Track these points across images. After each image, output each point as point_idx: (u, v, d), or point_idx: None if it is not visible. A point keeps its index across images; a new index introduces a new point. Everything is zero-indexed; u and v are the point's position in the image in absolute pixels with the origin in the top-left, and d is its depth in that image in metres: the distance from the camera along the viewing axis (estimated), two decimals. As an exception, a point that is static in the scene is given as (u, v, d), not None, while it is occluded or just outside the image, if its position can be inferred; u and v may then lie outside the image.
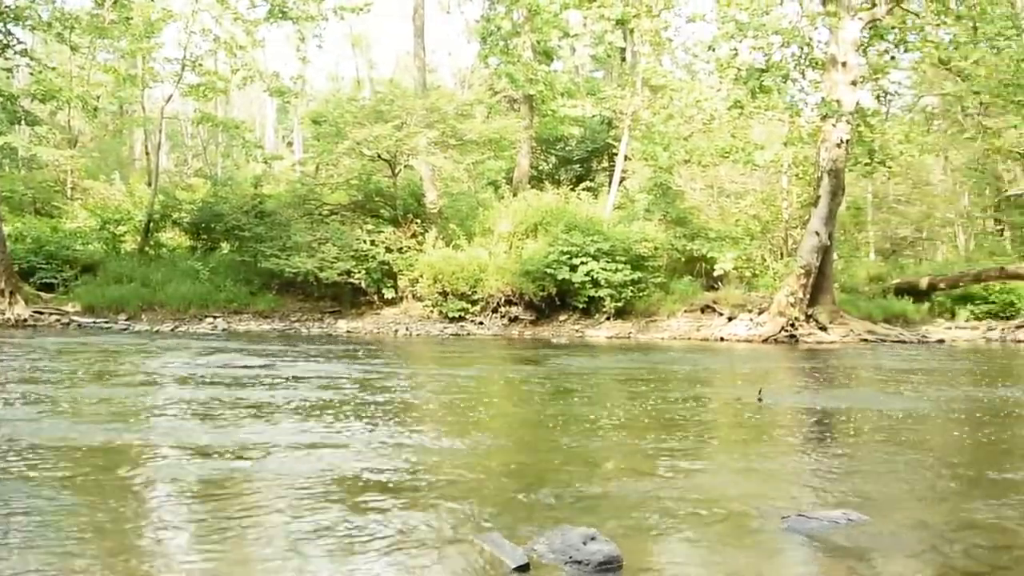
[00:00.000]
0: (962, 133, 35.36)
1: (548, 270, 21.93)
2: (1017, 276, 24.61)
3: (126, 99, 35.47)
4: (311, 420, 7.43)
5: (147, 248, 26.36)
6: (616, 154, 28.34)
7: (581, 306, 22.41)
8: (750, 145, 22.88)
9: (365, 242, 23.20)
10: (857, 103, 21.70)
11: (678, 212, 26.06)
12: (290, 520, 4.34)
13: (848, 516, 4.39)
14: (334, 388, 9.71)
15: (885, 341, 20.53)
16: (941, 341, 21.25)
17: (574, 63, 35.81)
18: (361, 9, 28.24)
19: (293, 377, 10.64)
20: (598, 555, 3.67)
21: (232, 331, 20.83)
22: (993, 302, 24.90)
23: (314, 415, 7.70)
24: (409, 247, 23.54)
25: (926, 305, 24.47)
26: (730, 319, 21.47)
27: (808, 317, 20.78)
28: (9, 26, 22.55)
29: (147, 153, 36.86)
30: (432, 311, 22.90)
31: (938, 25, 24.35)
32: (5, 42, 22.47)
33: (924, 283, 25.11)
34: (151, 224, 26.78)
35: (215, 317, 22.35)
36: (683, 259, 24.81)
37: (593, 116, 31.42)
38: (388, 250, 23.32)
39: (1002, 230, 37.67)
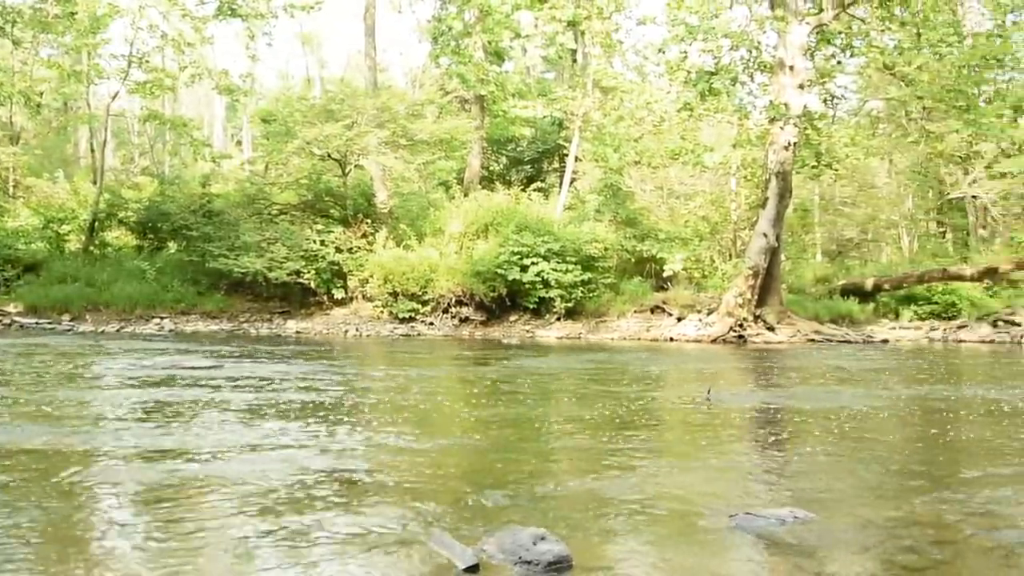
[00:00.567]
0: (906, 137, 35.98)
1: (499, 271, 21.95)
2: (958, 277, 25.09)
3: (70, 95, 34.85)
4: (260, 421, 7.36)
5: (92, 247, 25.96)
6: (567, 155, 28.43)
7: (532, 307, 22.45)
8: (699, 147, 23.07)
9: (315, 242, 23.05)
10: (804, 106, 21.96)
11: (628, 213, 26.19)
12: (238, 522, 4.29)
13: (795, 514, 4.44)
14: (283, 389, 9.63)
15: (831, 341, 20.80)
16: (885, 341, 21.59)
17: (525, 64, 35.89)
18: (312, 7, 28.05)
19: (241, 378, 10.53)
20: (548, 555, 3.67)
21: (179, 332, 20.58)
22: (936, 303, 25.33)
23: (263, 416, 7.63)
24: (359, 247, 23.43)
25: (871, 305, 24.85)
26: (679, 319, 21.63)
27: (756, 317, 20.99)
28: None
29: (92, 151, 36.27)
30: (382, 311, 22.80)
31: (883, 31, 24.74)
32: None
33: (869, 284, 25.48)
34: (96, 223, 26.37)
35: (162, 318, 22.08)
36: (633, 260, 24.94)
37: (544, 117, 31.49)
38: (338, 250, 23.19)
39: (944, 232, 38.36)
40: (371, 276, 22.83)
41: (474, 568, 3.62)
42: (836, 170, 26.38)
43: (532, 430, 7.29)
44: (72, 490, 4.95)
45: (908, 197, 38.04)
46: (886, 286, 25.54)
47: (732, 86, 22.10)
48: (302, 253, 22.86)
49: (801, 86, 21.39)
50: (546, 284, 22.06)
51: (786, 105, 20.88)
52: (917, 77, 25.40)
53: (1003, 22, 34.27)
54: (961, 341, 22.23)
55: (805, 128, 22.63)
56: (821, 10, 21.96)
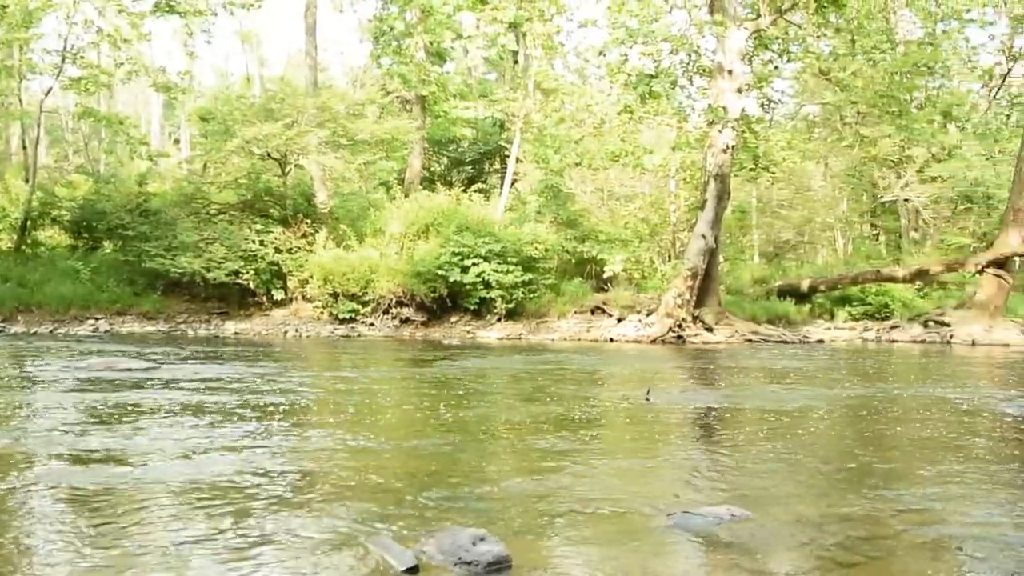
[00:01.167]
0: (841, 141, 36.62)
1: (440, 271, 21.92)
2: (891, 279, 25.57)
3: (1, 91, 34.07)
4: (197, 423, 7.28)
5: (24, 247, 25.38)
6: (508, 156, 28.46)
7: (472, 307, 22.45)
8: (639, 149, 23.23)
9: (254, 242, 22.81)
10: (742, 110, 22.26)
11: (569, 214, 26.30)
12: (174, 527, 4.26)
13: (732, 512, 4.51)
14: (221, 391, 9.53)
15: (768, 341, 21.10)
16: (821, 341, 21.96)
17: (467, 65, 35.85)
18: (251, 5, 27.76)
19: (179, 380, 10.41)
20: (487, 555, 3.70)
21: (115, 333, 20.26)
22: (869, 303, 25.78)
23: (200, 418, 7.55)
24: (299, 247, 23.23)
25: (807, 306, 25.22)
26: (619, 320, 21.78)
27: (695, 318, 21.21)
28: None
29: (24, 148, 35.41)
30: (322, 312, 22.64)
31: (819, 37, 25.18)
32: None
33: (805, 285, 25.85)
34: (28, 222, 25.80)
35: (97, 319, 21.68)
36: (573, 261, 25.05)
37: (485, 118, 31.52)
38: (278, 250, 22.98)
39: (878, 234, 39.07)
40: (311, 276, 22.65)
41: (413, 569, 3.63)
42: (773, 173, 26.77)
43: (472, 431, 7.31)
44: (3, 496, 4.86)
45: (843, 200, 38.69)
46: (821, 287, 25.94)
47: (672, 89, 22.32)
48: (241, 253, 22.59)
49: (739, 90, 21.67)
50: (487, 285, 22.08)
51: (724, 108, 21.14)
52: (851, 83, 25.91)
53: (933, 31, 35.07)
54: (893, 341, 22.69)
55: (743, 131, 22.93)
56: (759, 16, 22.27)
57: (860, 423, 8.20)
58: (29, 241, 25.82)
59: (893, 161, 35.41)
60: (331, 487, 5.19)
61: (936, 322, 23.44)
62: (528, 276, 22.49)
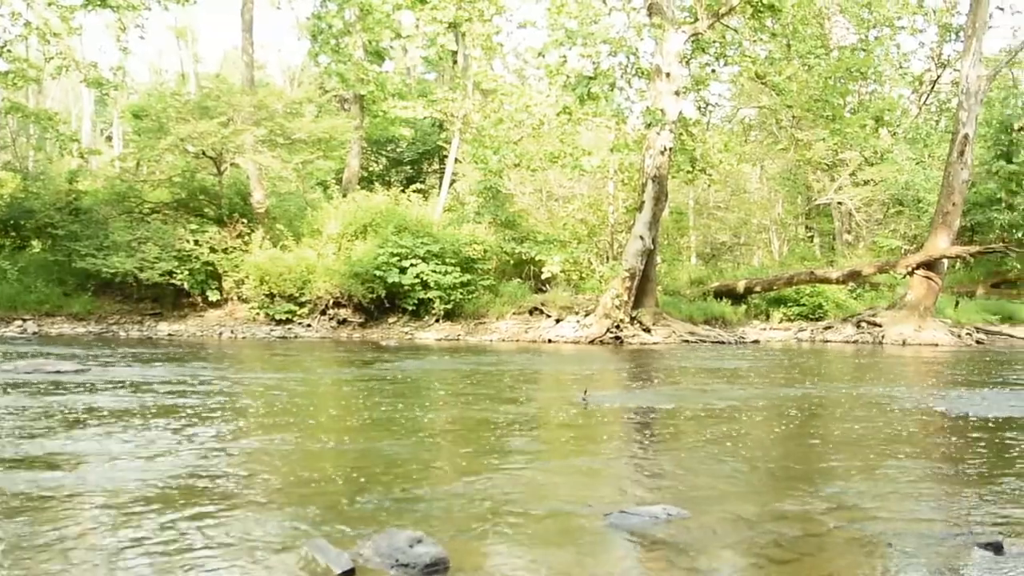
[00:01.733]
0: (776, 144, 37.19)
1: (377, 272, 21.81)
2: (825, 280, 25.98)
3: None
4: (129, 427, 7.14)
5: (-52, 245, 24.76)
6: (447, 156, 28.42)
7: (411, 308, 22.37)
8: (578, 150, 23.32)
9: (188, 242, 22.48)
10: (680, 112, 22.47)
11: (507, 215, 26.32)
12: (108, 532, 4.16)
13: (668, 511, 4.53)
14: (153, 393, 9.36)
15: (705, 342, 21.31)
16: (756, 341, 22.24)
17: (406, 64, 35.75)
18: (187, 0, 27.33)
19: (110, 382, 10.20)
20: (424, 557, 3.66)
21: (44, 334, 19.83)
22: (803, 304, 26.17)
23: (132, 422, 7.40)
24: (235, 248, 22.95)
25: (743, 307, 25.54)
26: (558, 321, 21.85)
27: (633, 319, 21.35)
28: None
29: (-51, 144, 34.61)
30: (258, 313, 22.40)
31: (755, 41, 25.50)
32: None
33: (741, 286, 26.16)
34: (-48, 220, 25.17)
35: (24, 320, 21.21)
36: (512, 262, 25.08)
37: (424, 118, 31.39)
38: (213, 250, 22.68)
39: (812, 236, 39.71)
40: (247, 277, 22.39)
41: (350, 572, 3.58)
42: (710, 175, 27.06)
43: (410, 432, 7.26)
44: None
45: (778, 202, 39.26)
46: (757, 288, 26.26)
47: (610, 91, 22.40)
48: (175, 253, 22.26)
49: (677, 93, 21.86)
50: (425, 286, 22.03)
51: (662, 111, 21.30)
52: (787, 87, 26.27)
53: (866, 37, 35.73)
54: (827, 341, 23.06)
55: (681, 134, 23.15)
56: (696, 19, 22.49)
57: (795, 422, 8.30)
58: (-47, 240, 25.18)
59: (827, 164, 36.04)
60: (266, 490, 5.11)
61: (868, 322, 23.88)
62: (467, 277, 22.49)
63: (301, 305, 22.25)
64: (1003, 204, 32.33)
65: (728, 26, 24.16)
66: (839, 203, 36.28)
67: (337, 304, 22.27)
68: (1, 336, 18.93)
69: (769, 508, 4.80)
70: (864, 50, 33.76)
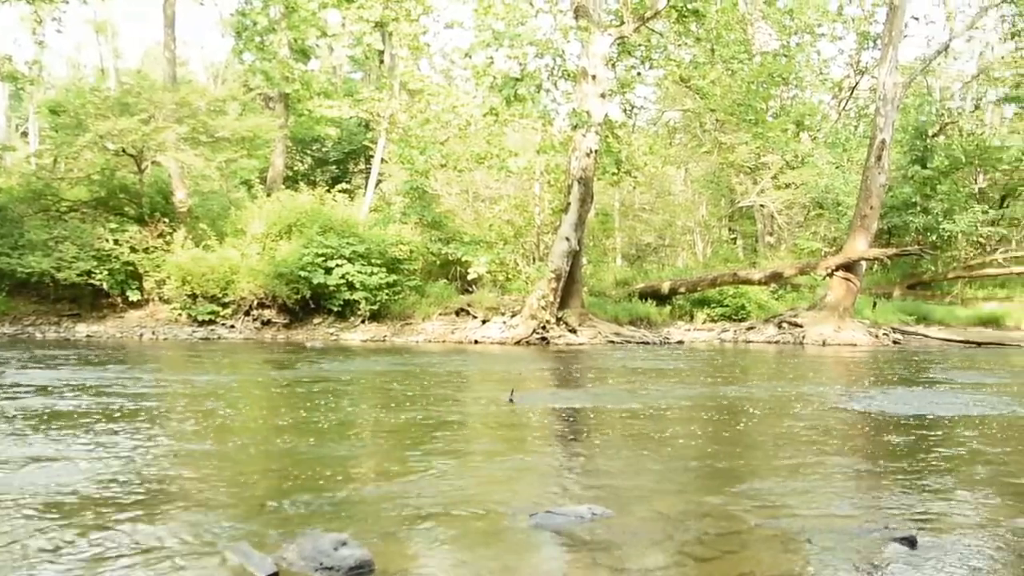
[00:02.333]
0: (700, 147, 37.70)
1: (302, 272, 21.60)
2: (747, 281, 26.36)
3: None
4: (46, 430, 6.96)
5: None
6: (373, 156, 28.26)
7: (336, 309, 22.19)
8: (504, 152, 23.35)
9: (108, 241, 22.02)
10: (606, 115, 22.64)
11: (434, 216, 26.26)
12: (24, 539, 4.04)
13: (593, 511, 4.55)
14: (72, 396, 9.15)
15: (630, 342, 21.49)
16: (680, 342, 22.49)
17: (332, 63, 35.42)
18: (105, -6, 26.78)
19: (26, 385, 9.95)
20: (349, 560, 3.64)
21: (-45, 335, 19.26)
22: (727, 305, 26.50)
23: (50, 425, 7.22)
24: (156, 247, 22.53)
25: (668, 308, 25.79)
26: (484, 322, 21.86)
27: (559, 320, 21.45)
28: None
29: None
30: (180, 314, 22.02)
31: (680, 46, 25.81)
32: None
33: (666, 287, 26.41)
34: None
35: (-66, 321, 20.61)
36: (438, 262, 25.01)
37: (350, 118, 31.18)
38: (133, 250, 22.24)
39: (735, 238, 40.34)
40: (168, 277, 22.00)
41: (273, 576, 3.54)
42: (635, 177, 27.31)
43: (335, 434, 7.20)
44: None
45: (702, 204, 39.79)
46: (682, 289, 26.53)
47: (537, 93, 22.48)
48: (94, 253, 21.79)
49: (603, 95, 22.02)
50: (351, 286, 21.88)
51: (588, 113, 21.44)
52: (711, 91, 26.65)
53: (788, 43, 36.40)
54: (749, 342, 23.41)
55: (606, 136, 23.32)
56: (622, 23, 22.68)
57: (717, 421, 8.41)
58: None
59: (749, 168, 36.66)
60: (188, 494, 5.02)
61: (789, 323, 24.28)
62: (393, 278, 22.39)
63: (224, 306, 21.94)
64: (918, 208, 33.18)
65: (653, 30, 24.43)
66: (761, 205, 36.91)
67: (261, 305, 22.00)
68: (-90, 338, 18.36)
69: (692, 506, 4.86)
70: (786, 56, 34.40)
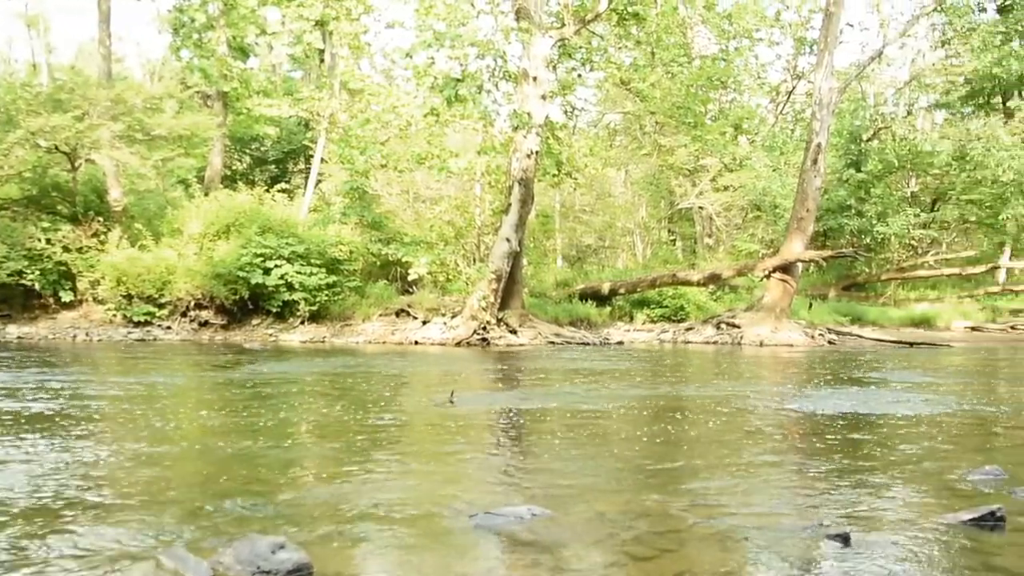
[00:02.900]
0: (640, 149, 38.01)
1: (241, 273, 21.37)
2: (686, 282, 26.64)
3: None
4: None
5: None
6: (313, 156, 28.03)
7: (275, 310, 22.01)
8: (445, 152, 23.34)
9: (40, 241, 21.59)
10: (547, 116, 22.73)
11: (374, 216, 26.14)
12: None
13: (533, 511, 4.56)
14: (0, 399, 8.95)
15: (571, 343, 21.59)
16: (620, 342, 22.65)
17: (271, 62, 35.05)
18: (37, -12, 26.24)
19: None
20: (287, 564, 3.60)
21: None
22: (666, 306, 26.75)
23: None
24: (90, 247, 22.14)
25: (608, 309, 25.96)
26: (424, 323, 21.81)
27: (499, 321, 21.48)
28: None
29: None
30: (115, 315, 21.66)
31: (620, 48, 26.03)
32: None
33: (606, 288, 26.58)
34: None
35: None
36: (378, 263, 24.91)
37: (290, 117, 30.88)
38: (66, 250, 21.82)
39: (674, 240, 40.74)
40: (103, 277, 21.63)
41: (209, 581, 3.49)
42: (576, 179, 27.47)
43: (273, 436, 7.13)
44: None
45: (642, 206, 40.12)
46: (621, 290, 26.71)
47: (478, 94, 22.50)
48: (25, 252, 21.36)
49: (544, 96, 22.11)
50: (290, 287, 21.70)
51: (529, 114, 21.51)
52: (650, 93, 26.90)
53: (727, 48, 36.88)
54: (688, 342, 23.66)
55: (547, 137, 23.41)
56: (563, 25, 22.78)
57: (657, 421, 8.48)
58: None
59: (689, 170, 37.05)
60: (121, 499, 4.93)
61: (727, 324, 24.57)
62: (332, 278, 22.25)
63: (161, 307, 21.64)
64: (853, 211, 33.78)
65: (594, 32, 24.58)
66: (700, 207, 37.34)
67: (198, 306, 21.73)
68: None
69: (631, 506, 4.89)
70: (724, 60, 34.87)
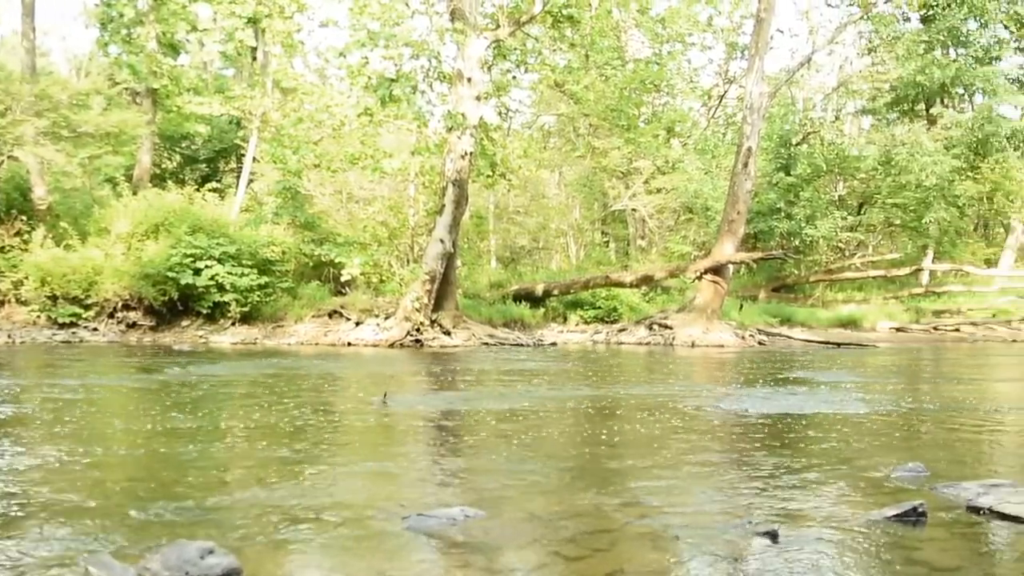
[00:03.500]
0: (574, 151, 38.19)
1: (170, 273, 21.03)
2: (619, 284, 26.82)
3: None
4: None
5: None
6: (244, 155, 27.71)
7: (206, 311, 21.68)
8: (379, 152, 23.22)
9: (-41, 240, 21.07)
10: (481, 117, 22.73)
11: (307, 217, 25.92)
12: None
13: (465, 512, 4.56)
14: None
15: (504, 344, 21.61)
16: (554, 344, 22.73)
17: (202, 59, 34.56)
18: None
19: None
20: (216, 568, 3.55)
21: None
22: (599, 307, 26.88)
23: None
24: (12, 246, 21.61)
25: (542, 310, 26.04)
26: (358, 324, 21.67)
27: (433, 322, 21.43)
28: None
29: None
30: (39, 316, 21.14)
31: (555, 51, 26.13)
32: None
33: (540, 289, 26.64)
34: None
35: None
36: (311, 264, 24.69)
37: (221, 115, 30.47)
38: (-13, 249, 21.31)
39: (608, 241, 41.00)
40: (26, 278, 21.12)
41: (135, 587, 3.43)
42: (510, 180, 27.49)
43: (202, 440, 7.02)
44: None
45: (576, 208, 40.32)
46: (555, 291, 26.80)
47: (412, 94, 22.46)
48: (-57, 252, 20.83)
49: (478, 98, 22.11)
50: (221, 288, 21.41)
51: (463, 115, 21.49)
52: (584, 96, 27.07)
53: (660, 51, 37.22)
54: (621, 343, 23.83)
55: (481, 138, 23.41)
56: (498, 26, 22.81)
57: (590, 422, 8.53)
58: None
59: (622, 172, 37.33)
60: (45, 505, 4.82)
61: (660, 325, 24.78)
62: (264, 279, 22.00)
63: (87, 307, 21.18)
64: (782, 213, 34.32)
65: (529, 34, 24.65)
66: (633, 209, 37.63)
67: (127, 307, 21.32)
68: None
69: (564, 506, 4.91)
70: (658, 63, 35.18)
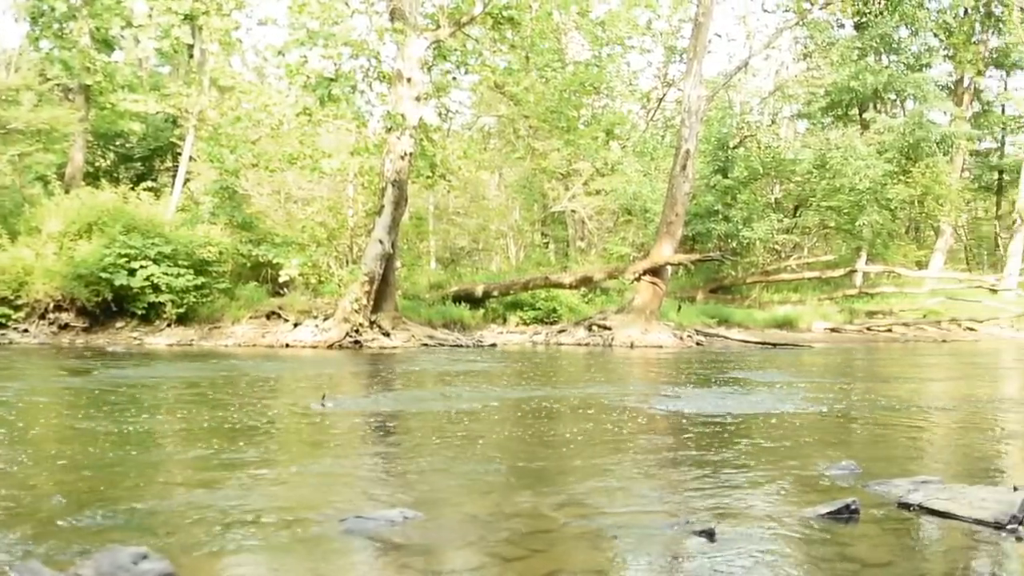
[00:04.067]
0: (514, 153, 38.29)
1: (103, 274, 20.66)
2: (559, 285, 26.94)
3: None
4: None
5: None
6: (180, 154, 27.34)
7: (140, 312, 21.34)
8: (317, 152, 23.07)
9: None
10: (421, 118, 22.67)
11: (244, 217, 25.65)
12: None
13: (404, 514, 4.54)
14: None
15: (444, 345, 21.59)
16: (494, 345, 22.75)
17: (137, 55, 34.01)
18: None
19: None
20: (150, 574, 3.50)
21: None
22: (539, 308, 26.99)
23: None
24: (-60, 246, 21.11)
25: (482, 311, 26.06)
26: (296, 325, 21.49)
27: (372, 323, 21.33)
28: None
29: None
30: (-34, 317, 20.68)
31: (495, 52, 26.14)
32: None
33: (480, 290, 26.67)
34: None
35: None
36: (249, 264, 24.42)
37: (157, 113, 30.01)
38: (-88, 248, 20.75)
39: (547, 243, 41.14)
40: (-47, 278, 20.64)
41: (66, 594, 3.37)
42: (450, 181, 27.46)
43: (136, 443, 6.91)
44: None
45: (515, 209, 40.41)
46: (495, 292, 26.84)
47: (351, 94, 22.33)
48: None
49: (418, 98, 22.05)
50: (156, 288, 21.09)
51: (403, 116, 21.43)
52: (525, 97, 27.14)
53: (599, 54, 37.46)
54: (561, 344, 23.93)
55: (421, 139, 23.35)
56: (438, 27, 22.77)
57: (528, 423, 8.54)
58: None
59: (562, 174, 37.47)
60: (-29, 509, 4.70)
61: (599, 326, 24.94)
62: (201, 280, 21.72)
63: (17, 308, 20.71)
64: (720, 215, 34.75)
65: (469, 35, 24.64)
66: (573, 211, 37.79)
67: (58, 308, 20.91)
68: None
69: (503, 507, 4.91)
70: (597, 66, 35.39)
